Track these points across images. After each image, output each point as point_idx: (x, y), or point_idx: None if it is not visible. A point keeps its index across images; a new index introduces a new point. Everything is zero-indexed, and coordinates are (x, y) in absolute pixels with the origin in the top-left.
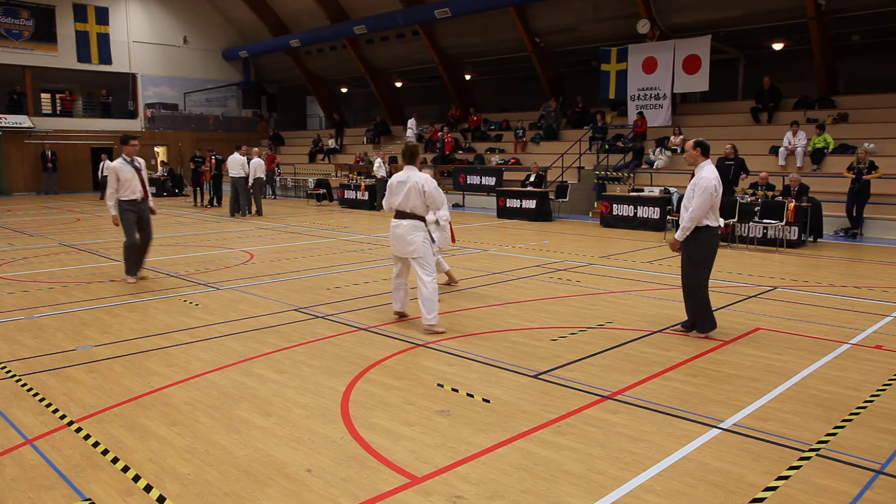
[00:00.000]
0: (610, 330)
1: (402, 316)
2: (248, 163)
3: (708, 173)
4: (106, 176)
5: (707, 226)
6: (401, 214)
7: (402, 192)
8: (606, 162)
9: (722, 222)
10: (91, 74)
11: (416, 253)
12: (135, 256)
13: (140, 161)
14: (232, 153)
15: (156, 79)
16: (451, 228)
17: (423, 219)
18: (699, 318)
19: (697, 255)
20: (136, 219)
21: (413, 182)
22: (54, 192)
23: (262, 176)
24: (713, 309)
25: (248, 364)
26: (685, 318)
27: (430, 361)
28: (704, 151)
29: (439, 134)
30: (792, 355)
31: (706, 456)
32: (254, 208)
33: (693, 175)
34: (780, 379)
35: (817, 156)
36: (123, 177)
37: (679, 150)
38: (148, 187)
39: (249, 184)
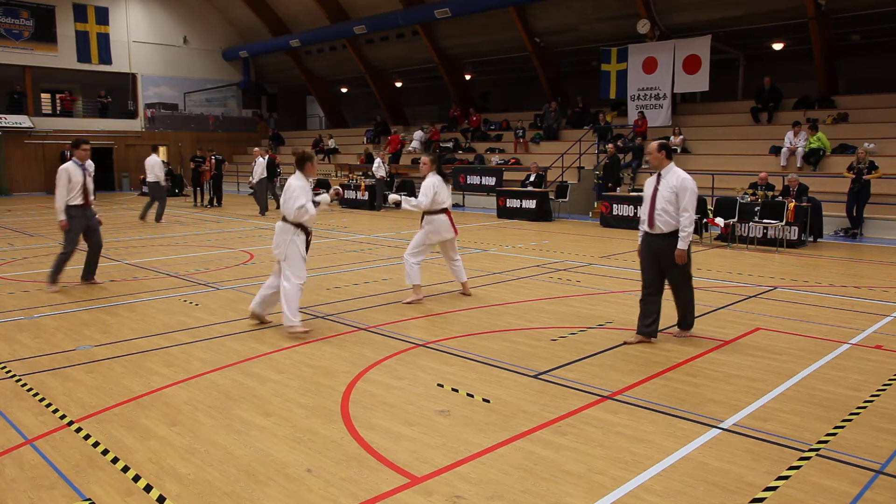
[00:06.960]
0: (610, 330)
1: (254, 316)
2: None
3: (686, 174)
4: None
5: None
6: (282, 217)
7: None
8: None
9: (722, 222)
10: (91, 74)
11: (281, 255)
12: (63, 265)
13: (90, 165)
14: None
15: (156, 79)
16: (449, 217)
17: (298, 224)
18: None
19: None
20: (83, 226)
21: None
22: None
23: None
24: (714, 309)
25: (248, 364)
26: (685, 318)
27: (430, 361)
28: (669, 154)
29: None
30: (792, 355)
31: (706, 456)
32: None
33: (658, 178)
34: (780, 379)
35: (813, 156)
36: (74, 179)
37: (679, 150)
38: (92, 195)
39: (253, 182)
